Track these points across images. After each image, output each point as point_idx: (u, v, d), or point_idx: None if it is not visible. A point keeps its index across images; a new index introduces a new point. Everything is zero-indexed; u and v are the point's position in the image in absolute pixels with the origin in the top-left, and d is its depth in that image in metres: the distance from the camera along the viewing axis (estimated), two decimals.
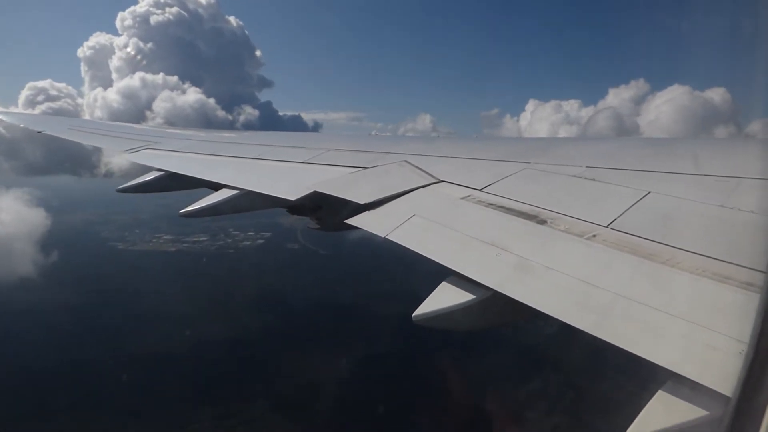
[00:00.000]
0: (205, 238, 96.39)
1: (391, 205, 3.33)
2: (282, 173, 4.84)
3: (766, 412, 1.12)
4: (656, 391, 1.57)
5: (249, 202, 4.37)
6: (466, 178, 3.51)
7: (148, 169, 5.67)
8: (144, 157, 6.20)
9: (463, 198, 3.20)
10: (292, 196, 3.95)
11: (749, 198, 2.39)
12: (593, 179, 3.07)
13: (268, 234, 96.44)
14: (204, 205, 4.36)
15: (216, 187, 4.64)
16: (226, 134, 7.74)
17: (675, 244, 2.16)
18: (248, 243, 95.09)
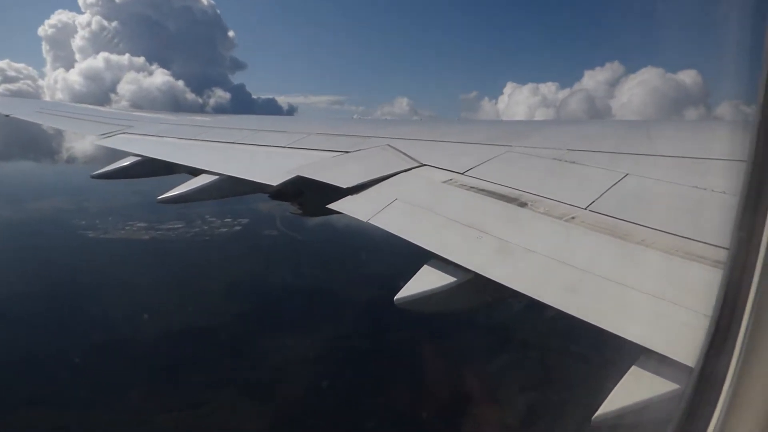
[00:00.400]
0: (180, 225, 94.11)
1: (374, 189, 3.33)
2: (263, 158, 4.78)
3: (725, 382, 1.18)
4: (630, 367, 1.62)
5: (229, 187, 4.32)
6: (448, 161, 3.52)
7: (123, 155, 5.53)
8: (119, 142, 6.04)
9: (445, 182, 3.21)
10: (274, 181, 3.91)
11: (722, 179, 2.46)
12: (573, 162, 3.11)
13: (245, 220, 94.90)
14: (183, 191, 4.29)
15: (195, 172, 4.57)
16: (205, 118, 7.59)
17: (650, 224, 2.22)
18: (225, 230, 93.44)
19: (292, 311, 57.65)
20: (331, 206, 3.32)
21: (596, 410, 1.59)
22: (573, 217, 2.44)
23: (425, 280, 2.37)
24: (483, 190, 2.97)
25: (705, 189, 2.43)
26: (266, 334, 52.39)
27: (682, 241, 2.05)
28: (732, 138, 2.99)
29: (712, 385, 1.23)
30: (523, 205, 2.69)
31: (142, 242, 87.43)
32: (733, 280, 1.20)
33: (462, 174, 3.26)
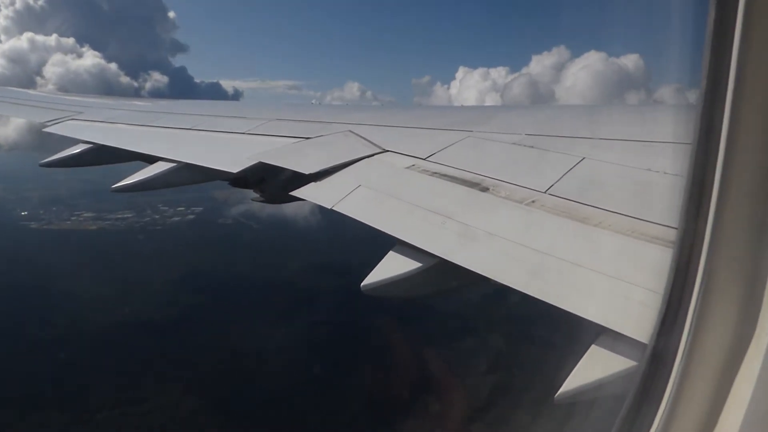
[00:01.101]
0: (130, 215, 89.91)
1: (337, 175, 3.30)
2: (222, 144, 4.65)
3: (677, 356, 1.24)
4: (590, 346, 1.69)
5: (188, 175, 4.19)
6: (410, 147, 3.53)
7: (68, 142, 5.27)
8: (69, 129, 5.74)
9: (407, 167, 3.22)
10: (234, 168, 3.82)
11: (675, 161, 2.56)
12: (532, 146, 3.17)
13: (199, 209, 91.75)
14: (139, 179, 4.13)
15: (151, 160, 4.40)
16: (160, 103, 7.30)
17: (607, 206, 2.30)
18: (178, 219, 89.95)
19: (246, 302, 56.62)
20: (294, 193, 3.28)
21: (558, 389, 1.65)
22: (533, 201, 2.50)
23: (391, 267, 2.39)
24: (445, 175, 2.99)
25: (657, 171, 2.53)
26: (216, 326, 51.45)
27: (636, 223, 2.13)
28: (678, 121, 3.13)
29: (664, 361, 1.30)
30: (485, 189, 2.73)
31: (89, 233, 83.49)
32: (682, 259, 1.26)
33: (424, 159, 3.27)
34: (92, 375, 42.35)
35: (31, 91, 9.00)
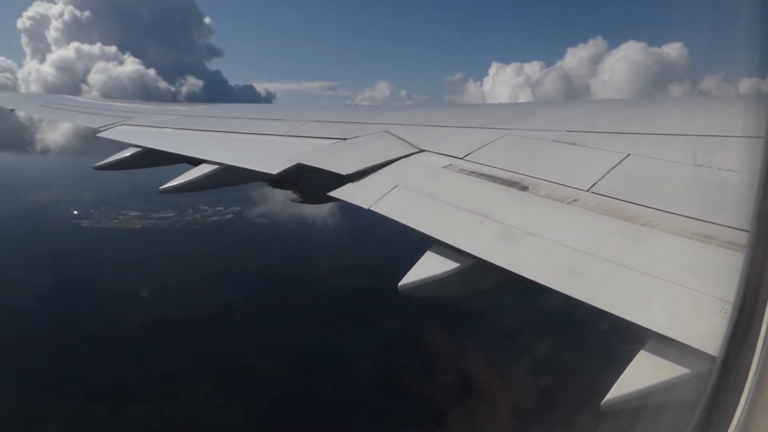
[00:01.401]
0: (172, 214, 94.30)
1: (374, 176, 3.31)
2: (262, 146, 4.76)
3: (751, 369, 1.16)
4: (638, 351, 1.62)
5: (230, 176, 4.31)
6: (447, 146, 3.50)
7: (121, 146, 5.52)
8: (119, 134, 6.02)
9: (444, 167, 3.19)
10: (274, 170, 3.90)
11: (728, 156, 2.41)
12: (573, 143, 3.08)
13: (237, 209, 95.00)
14: (184, 180, 4.29)
15: (195, 162, 4.55)
16: (203, 108, 7.54)
17: (655, 205, 2.19)
18: (216, 218, 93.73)
19: (279, 300, 57.57)
20: (332, 194, 3.32)
21: (605, 395, 1.59)
22: (575, 200, 2.42)
23: (428, 266, 2.37)
24: (483, 174, 2.95)
25: (710, 167, 2.39)
26: (252, 323, 52.47)
27: (689, 222, 2.03)
28: (735, 113, 2.95)
29: (736, 373, 1.21)
30: (524, 188, 2.67)
31: (134, 231, 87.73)
32: (755, 264, 1.17)
33: (461, 159, 3.24)
34: (131, 369, 44.14)
35: (81, 99, 9.49)
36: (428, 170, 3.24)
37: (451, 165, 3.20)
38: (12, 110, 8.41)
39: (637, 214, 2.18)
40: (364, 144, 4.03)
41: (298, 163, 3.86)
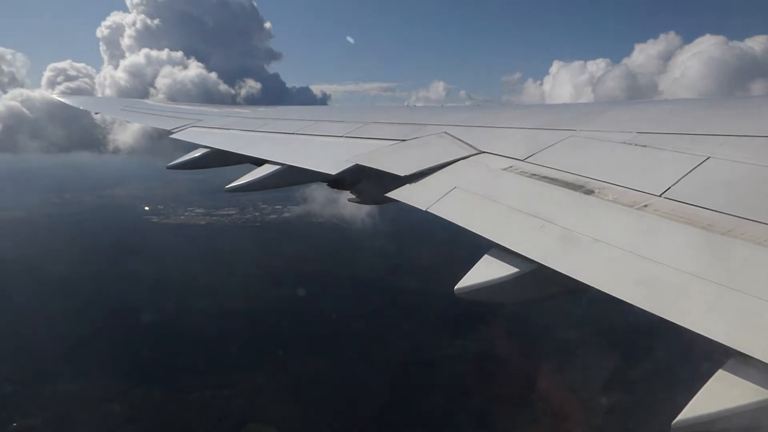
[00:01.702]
0: (234, 212, 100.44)
1: (432, 177, 3.29)
2: (322, 147, 4.87)
3: None
4: (716, 370, 1.49)
5: (291, 176, 4.45)
6: (507, 148, 3.42)
7: (188, 147, 5.85)
8: (190, 135, 6.38)
9: (505, 169, 3.12)
10: (333, 170, 3.98)
11: None
12: (644, 145, 2.91)
13: (295, 207, 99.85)
14: (248, 180, 4.47)
15: (259, 162, 4.73)
16: (266, 110, 7.83)
17: (738, 213, 2.02)
18: (274, 216, 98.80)
19: (331, 297, 58.55)
20: (390, 194, 3.33)
21: (677, 415, 1.48)
22: (645, 205, 2.28)
23: (485, 270, 2.32)
24: (546, 177, 2.85)
25: None
26: (301, 317, 53.59)
27: None
28: None
29: None
30: (589, 192, 2.55)
31: (199, 227, 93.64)
32: None
33: (523, 161, 3.15)
34: (190, 358, 46.75)
35: (154, 103, 10.13)
36: (487, 172, 3.17)
37: (511, 167, 3.12)
38: (96, 113, 9.12)
39: (716, 221, 2.02)
40: (422, 145, 4.02)
41: (357, 164, 3.91)
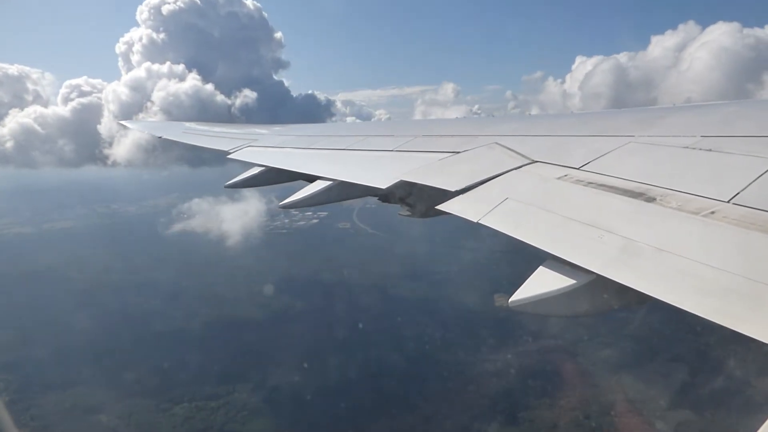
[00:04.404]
0: (264, 219, 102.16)
1: (483, 188, 3.27)
2: (372, 162, 4.95)
3: None
4: None
5: (342, 192, 4.54)
6: (561, 157, 3.34)
7: (245, 166, 6.12)
8: (246, 155, 6.66)
9: (559, 178, 3.05)
10: (383, 185, 4.03)
11: None
12: (710, 150, 2.77)
13: (324, 214, 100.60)
14: (301, 196, 4.61)
15: (311, 179, 4.87)
16: (320, 127, 8.06)
17: None
18: (303, 223, 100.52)
19: (347, 306, 58.54)
20: (440, 207, 3.33)
21: None
22: (712, 212, 2.17)
23: (541, 282, 2.27)
24: (603, 185, 2.76)
25: None
26: (305, 327, 53.89)
27: None
28: None
29: None
30: (650, 200, 2.46)
31: (224, 235, 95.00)
32: None
33: (578, 169, 3.07)
34: (184, 368, 47.70)
35: (213, 125, 10.64)
36: (541, 182, 3.12)
37: (566, 176, 3.05)
38: (160, 137, 9.70)
39: None
40: (472, 158, 4.00)
41: (401, 180, 3.95)
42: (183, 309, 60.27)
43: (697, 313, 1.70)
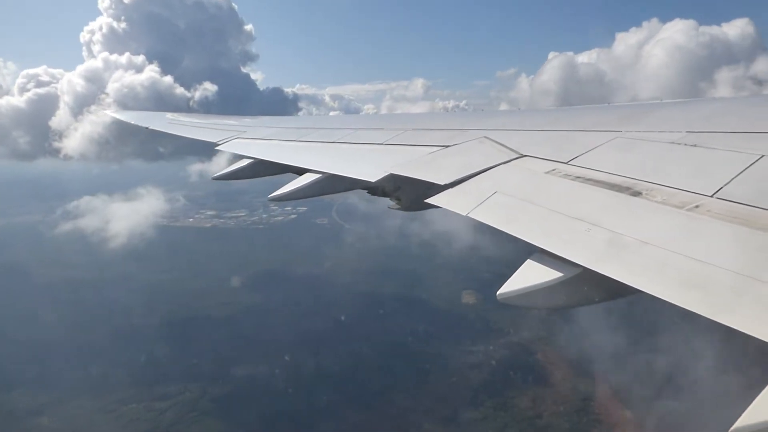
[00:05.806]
0: (243, 214, 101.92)
1: (472, 182, 3.28)
2: (362, 155, 4.94)
3: None
4: None
5: (331, 185, 4.52)
6: (550, 151, 3.37)
7: (233, 157, 6.06)
8: (234, 147, 6.60)
9: (547, 172, 3.08)
10: (372, 178, 4.03)
11: None
12: (695, 145, 2.81)
13: (303, 209, 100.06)
14: (290, 189, 4.58)
15: (300, 172, 4.85)
16: (310, 119, 8.00)
17: None
18: (281, 218, 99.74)
19: (322, 304, 58.65)
20: (429, 201, 3.34)
21: (734, 421, 1.42)
22: (697, 206, 2.21)
23: (529, 275, 2.29)
24: (590, 179, 2.79)
25: None
26: (267, 325, 53.60)
27: None
28: None
29: None
30: (636, 194, 2.49)
31: (203, 230, 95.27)
32: None
33: (566, 163, 3.10)
34: (136, 368, 46.90)
35: (198, 116, 10.51)
36: (529, 176, 3.14)
37: (554, 170, 3.07)
38: (147, 128, 9.56)
39: None
40: (462, 152, 4.02)
41: (392, 173, 3.95)
42: (141, 306, 59.05)
43: (681, 305, 1.73)
